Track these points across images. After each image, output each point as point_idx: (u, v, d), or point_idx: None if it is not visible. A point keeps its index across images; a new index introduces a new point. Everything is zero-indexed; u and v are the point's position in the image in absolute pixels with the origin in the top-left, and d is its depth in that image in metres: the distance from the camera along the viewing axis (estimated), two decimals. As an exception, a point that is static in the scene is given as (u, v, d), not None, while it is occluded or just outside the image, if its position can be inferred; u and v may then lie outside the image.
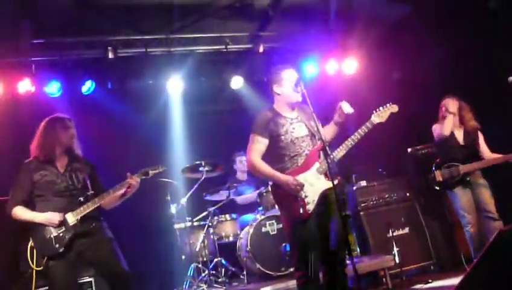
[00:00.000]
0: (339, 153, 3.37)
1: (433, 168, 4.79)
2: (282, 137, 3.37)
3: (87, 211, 3.40)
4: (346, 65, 6.88)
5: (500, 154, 4.61)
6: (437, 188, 4.76)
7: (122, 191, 3.51)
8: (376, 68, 6.94)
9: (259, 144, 3.39)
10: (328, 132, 3.50)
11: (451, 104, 4.74)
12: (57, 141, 3.47)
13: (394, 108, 3.54)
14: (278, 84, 3.46)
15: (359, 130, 3.42)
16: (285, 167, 3.35)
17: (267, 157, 3.41)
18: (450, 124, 4.66)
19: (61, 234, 3.32)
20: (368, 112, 3.61)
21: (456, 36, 5.82)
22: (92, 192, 3.50)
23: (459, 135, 4.78)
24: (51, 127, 3.51)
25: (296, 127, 3.42)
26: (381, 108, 3.52)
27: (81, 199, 3.44)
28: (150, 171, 3.60)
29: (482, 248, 4.18)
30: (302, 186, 3.23)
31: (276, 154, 3.40)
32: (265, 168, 3.35)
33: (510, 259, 2.69)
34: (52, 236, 3.32)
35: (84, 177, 3.54)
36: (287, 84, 3.42)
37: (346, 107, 3.40)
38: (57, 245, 3.29)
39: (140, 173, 3.56)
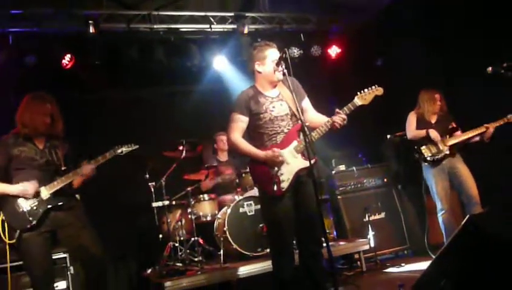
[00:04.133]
0: (317, 133, 3.31)
1: (416, 148, 4.86)
2: (262, 115, 3.36)
3: (60, 185, 3.38)
4: (330, 49, 6.88)
5: None
6: (425, 164, 4.82)
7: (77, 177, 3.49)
8: (359, 53, 6.96)
9: (239, 123, 3.39)
10: (320, 121, 3.39)
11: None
12: (37, 119, 3.40)
13: (379, 90, 3.40)
14: (260, 62, 3.44)
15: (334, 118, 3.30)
16: (264, 145, 3.36)
17: (246, 135, 3.42)
18: (421, 135, 4.86)
19: (34, 207, 3.29)
20: (350, 96, 3.54)
21: (438, 25, 5.87)
22: (65, 168, 3.48)
23: (433, 119, 4.96)
24: (32, 104, 3.44)
25: (276, 106, 3.40)
26: (365, 90, 3.39)
27: (55, 174, 3.41)
28: (124, 149, 3.61)
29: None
30: (280, 157, 3.22)
31: (255, 132, 3.41)
32: (245, 145, 3.37)
33: (478, 244, 2.75)
34: (24, 210, 3.27)
35: (62, 155, 3.52)
36: (269, 62, 3.39)
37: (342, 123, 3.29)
38: (31, 218, 3.26)
39: (112, 150, 3.57)
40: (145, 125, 6.11)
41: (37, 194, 3.31)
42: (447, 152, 4.74)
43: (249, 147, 3.36)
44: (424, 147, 4.81)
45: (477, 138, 4.79)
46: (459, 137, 4.80)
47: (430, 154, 4.77)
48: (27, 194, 3.28)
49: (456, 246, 2.87)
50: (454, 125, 4.91)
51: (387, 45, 6.73)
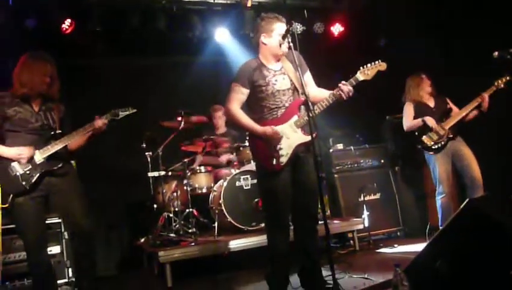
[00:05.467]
0: (319, 108, 3.26)
1: (418, 136, 4.80)
2: (264, 88, 3.31)
3: (55, 149, 3.30)
4: (333, 27, 6.81)
5: None
6: (430, 153, 4.74)
7: (89, 132, 3.42)
8: (362, 33, 6.89)
9: (239, 94, 3.34)
10: (321, 96, 3.34)
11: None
12: (36, 78, 3.30)
13: (382, 66, 3.33)
14: (266, 34, 3.37)
15: (341, 86, 3.24)
16: (264, 118, 3.31)
17: (246, 107, 3.37)
18: (417, 125, 4.81)
19: (28, 172, 3.22)
20: (352, 74, 3.46)
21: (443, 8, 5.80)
22: (60, 131, 3.40)
23: (430, 101, 4.93)
24: (32, 63, 3.34)
25: (279, 80, 3.35)
26: (368, 65, 3.32)
27: (50, 137, 3.34)
28: (120, 113, 3.51)
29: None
30: (279, 135, 3.20)
31: (255, 105, 3.36)
32: (244, 118, 3.32)
33: (476, 227, 2.76)
34: (18, 174, 3.21)
35: (58, 117, 3.44)
36: (276, 35, 3.33)
37: (350, 93, 3.24)
38: (24, 182, 3.20)
39: (109, 113, 3.47)
40: (144, 95, 6.06)
41: (31, 159, 3.25)
42: (450, 136, 4.70)
43: (247, 121, 3.30)
44: (424, 136, 4.74)
45: (475, 112, 4.72)
46: (457, 116, 4.73)
47: (432, 142, 4.72)
48: (22, 158, 3.21)
49: (454, 228, 2.88)
50: (450, 106, 4.87)
51: (391, 26, 6.65)
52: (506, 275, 2.46)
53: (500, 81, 4.61)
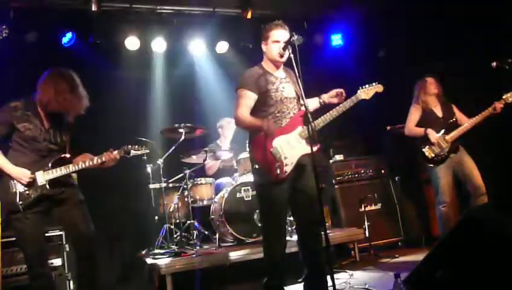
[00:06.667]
0: (321, 121, 3.36)
1: (421, 147, 4.71)
2: (272, 94, 3.32)
3: (59, 175, 3.26)
4: (333, 37, 6.88)
5: None
6: (431, 165, 4.68)
7: (97, 163, 3.38)
8: (362, 44, 6.94)
9: (247, 99, 3.31)
10: (310, 104, 3.48)
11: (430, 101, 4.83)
12: (58, 98, 3.22)
13: (379, 88, 3.60)
14: (264, 41, 3.42)
15: (344, 103, 3.45)
16: None
17: (252, 114, 3.36)
18: (419, 133, 4.75)
19: (27, 192, 3.17)
20: (350, 85, 3.65)
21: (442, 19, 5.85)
22: (68, 156, 3.37)
23: (437, 109, 4.85)
24: (59, 80, 3.27)
25: (286, 87, 3.38)
26: (367, 85, 3.57)
27: (56, 161, 3.29)
28: (132, 151, 3.50)
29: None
30: (273, 127, 3.22)
31: (262, 111, 3.33)
32: (248, 118, 3.31)
33: (476, 237, 2.77)
34: (17, 191, 3.16)
35: (66, 137, 3.40)
36: (271, 42, 3.36)
37: (343, 96, 3.48)
38: (21, 202, 3.14)
39: (122, 150, 3.44)
40: (145, 106, 6.10)
41: (32, 180, 3.19)
42: (452, 149, 4.64)
43: (250, 119, 3.30)
44: (426, 148, 4.67)
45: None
46: (463, 128, 4.65)
47: (433, 155, 4.64)
48: (22, 181, 3.16)
49: (453, 238, 2.89)
50: (456, 115, 4.78)
51: (390, 36, 6.70)
52: (506, 284, 2.46)
53: (509, 95, 4.52)
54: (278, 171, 3.21)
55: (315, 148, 3.08)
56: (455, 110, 4.85)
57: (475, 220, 2.77)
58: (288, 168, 3.24)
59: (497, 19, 5.27)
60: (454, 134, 4.65)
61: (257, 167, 3.32)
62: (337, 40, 6.91)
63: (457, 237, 2.82)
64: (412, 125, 4.85)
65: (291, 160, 3.26)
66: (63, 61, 5.33)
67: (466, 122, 4.67)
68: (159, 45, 6.04)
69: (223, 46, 6.51)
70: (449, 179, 4.67)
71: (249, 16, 6.31)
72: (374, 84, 3.58)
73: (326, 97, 3.53)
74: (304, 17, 6.82)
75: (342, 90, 3.50)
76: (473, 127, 4.63)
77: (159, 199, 5.24)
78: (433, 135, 4.65)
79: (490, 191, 4.54)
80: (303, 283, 3.39)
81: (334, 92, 3.52)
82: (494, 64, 4.47)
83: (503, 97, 4.53)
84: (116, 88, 5.90)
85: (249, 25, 6.40)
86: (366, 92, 3.53)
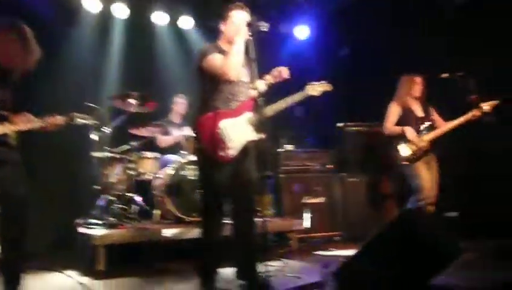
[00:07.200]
0: (270, 111, 3.37)
1: (397, 144, 4.67)
2: None
3: None
4: (298, 30, 6.88)
5: None
6: (405, 162, 4.61)
7: (38, 126, 3.18)
8: (327, 39, 6.99)
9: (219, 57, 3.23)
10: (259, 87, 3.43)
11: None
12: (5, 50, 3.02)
13: (328, 87, 3.66)
14: (224, 21, 3.36)
15: (293, 96, 3.49)
16: (216, 106, 3.26)
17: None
18: (397, 132, 4.69)
19: None
20: (310, 79, 3.69)
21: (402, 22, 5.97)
22: (6, 113, 3.09)
23: (417, 108, 4.80)
24: (4, 33, 3.05)
25: (241, 70, 3.33)
26: (316, 82, 3.62)
27: None
28: (77, 120, 3.36)
29: None
30: None
31: (213, 90, 3.26)
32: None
33: (404, 238, 2.85)
34: None
35: (9, 94, 3.13)
36: (231, 23, 3.31)
37: (285, 72, 3.49)
38: None
39: (68, 117, 3.28)
40: (99, 72, 5.93)
41: None
42: (427, 148, 4.61)
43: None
44: (402, 146, 4.63)
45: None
46: (442, 130, 4.63)
47: (409, 154, 4.60)
48: None
49: (384, 236, 2.96)
50: (434, 116, 4.77)
51: (355, 34, 6.78)
52: (425, 286, 2.55)
53: (485, 104, 4.48)
54: (222, 154, 3.18)
55: (262, 136, 3.07)
56: (434, 112, 4.82)
57: (405, 222, 2.85)
58: (232, 152, 3.22)
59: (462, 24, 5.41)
60: (432, 135, 4.64)
61: (201, 146, 3.27)
62: (303, 32, 6.91)
63: (386, 236, 2.90)
64: (390, 125, 4.77)
65: (236, 144, 3.23)
66: (14, 12, 5.10)
67: (443, 126, 4.67)
68: (120, 10, 5.86)
69: (187, 22, 6.39)
70: (429, 175, 4.60)
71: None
72: (323, 82, 3.64)
73: (270, 78, 3.52)
74: (273, 4, 6.78)
75: (283, 68, 3.50)
76: (450, 131, 4.61)
77: (101, 168, 5.09)
78: (411, 133, 4.60)
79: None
80: (235, 268, 3.40)
81: (276, 70, 3.52)
82: (444, 75, 4.59)
83: (480, 106, 4.50)
84: (70, 48, 5.69)
85: (218, 5, 6.29)
86: (313, 89, 3.58)
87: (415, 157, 4.61)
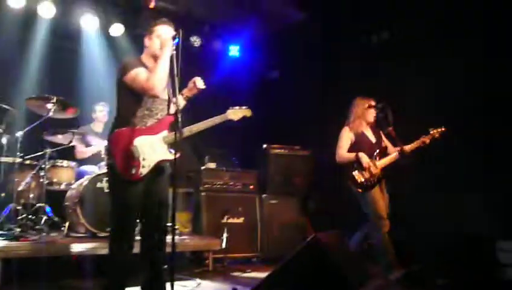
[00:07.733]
0: (187, 131, 3.31)
1: (351, 171, 4.54)
2: None
3: None
4: (231, 48, 6.94)
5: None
6: (359, 190, 4.51)
7: None
8: (258, 60, 7.10)
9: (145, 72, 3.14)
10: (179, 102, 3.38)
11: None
12: None
13: (248, 112, 3.62)
14: (148, 36, 3.28)
15: (213, 119, 3.43)
16: (132, 123, 3.16)
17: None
18: (350, 158, 4.58)
19: None
20: (237, 101, 3.72)
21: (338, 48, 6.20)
22: None
23: (369, 133, 4.71)
24: None
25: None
26: (237, 107, 3.59)
27: None
28: None
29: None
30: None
31: (129, 105, 3.18)
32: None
33: (314, 262, 2.90)
34: None
35: None
36: (154, 38, 3.24)
37: (200, 83, 3.42)
38: None
39: None
40: (17, 71, 5.60)
41: None
42: (380, 175, 4.52)
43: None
44: (356, 172, 4.50)
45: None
46: (391, 158, 4.56)
47: (363, 180, 4.49)
48: None
49: (296, 260, 3.00)
50: (385, 142, 4.71)
51: (286, 58, 6.94)
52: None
53: (435, 131, 4.53)
54: (133, 171, 3.09)
55: (177, 155, 3.00)
56: (383, 137, 4.75)
57: (316, 247, 2.90)
58: (144, 171, 3.13)
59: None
60: (384, 161, 4.56)
61: (112, 162, 3.15)
62: (234, 50, 6.97)
63: (298, 260, 2.93)
64: (343, 152, 4.63)
65: (149, 162, 3.15)
66: None
67: (394, 152, 4.60)
68: (46, 8, 5.58)
69: (117, 29, 6.23)
70: (383, 202, 4.52)
71: (151, 5, 6.13)
72: (243, 107, 3.60)
73: (186, 91, 3.46)
74: (207, 20, 6.79)
75: (197, 78, 3.44)
76: (401, 157, 4.54)
77: (10, 174, 4.75)
78: (365, 159, 4.49)
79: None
80: (142, 288, 3.27)
81: (190, 82, 3.44)
82: (369, 104, 4.73)
83: (430, 132, 4.53)
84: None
85: (150, 15, 6.20)
86: (234, 113, 3.54)
87: (369, 185, 4.51)
